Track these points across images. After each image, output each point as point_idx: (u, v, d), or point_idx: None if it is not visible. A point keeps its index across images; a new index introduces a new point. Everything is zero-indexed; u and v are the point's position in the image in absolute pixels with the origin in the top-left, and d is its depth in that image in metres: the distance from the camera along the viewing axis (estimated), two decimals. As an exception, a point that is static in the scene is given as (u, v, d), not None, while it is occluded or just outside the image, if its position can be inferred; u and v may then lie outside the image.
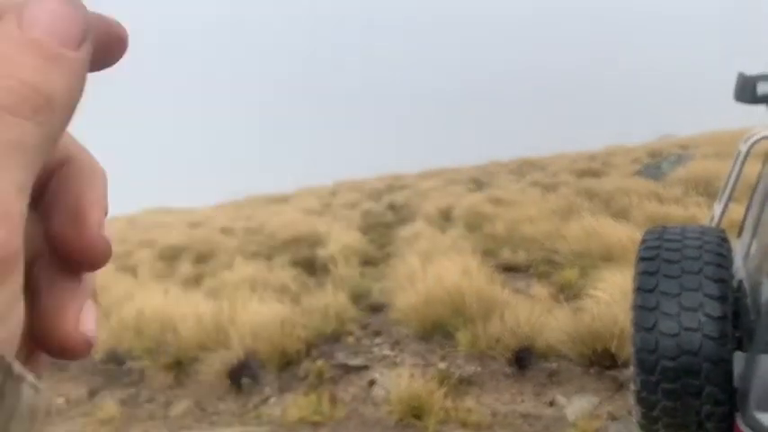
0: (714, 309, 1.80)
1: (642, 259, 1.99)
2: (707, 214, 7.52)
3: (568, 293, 5.55)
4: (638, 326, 1.87)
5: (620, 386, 3.95)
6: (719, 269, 1.88)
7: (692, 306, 1.81)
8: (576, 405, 3.95)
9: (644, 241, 2.09)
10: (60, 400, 5.18)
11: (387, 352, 4.99)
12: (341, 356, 4.88)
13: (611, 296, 4.56)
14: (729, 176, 2.78)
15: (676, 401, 1.84)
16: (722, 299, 1.83)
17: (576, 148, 23.11)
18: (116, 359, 5.39)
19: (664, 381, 1.82)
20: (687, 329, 1.79)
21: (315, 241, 9.61)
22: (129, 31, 0.23)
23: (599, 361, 4.13)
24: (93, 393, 5.18)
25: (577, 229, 7.12)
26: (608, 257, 6.03)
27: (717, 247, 1.95)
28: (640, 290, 1.92)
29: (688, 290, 1.83)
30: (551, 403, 4.05)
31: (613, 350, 4.06)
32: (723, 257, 1.93)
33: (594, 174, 14.92)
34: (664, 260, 1.93)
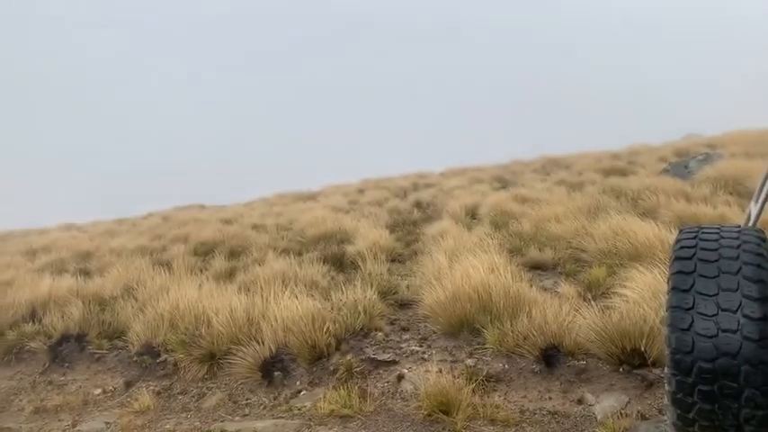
0: (754, 310, 1.77)
1: (678, 258, 1.97)
2: (736, 213, 7.46)
3: (596, 292, 5.56)
4: (674, 326, 1.85)
5: (650, 385, 3.95)
6: (759, 270, 1.85)
7: (731, 307, 1.78)
8: (605, 403, 3.95)
9: (679, 240, 2.06)
10: (97, 391, 5.32)
11: (415, 347, 5.03)
12: (370, 351, 4.93)
13: (640, 295, 4.56)
14: (767, 175, 2.73)
15: (713, 404, 1.80)
16: (762, 300, 1.79)
17: (596, 147, 22.86)
18: (151, 351, 5.51)
19: (700, 383, 1.80)
20: (725, 331, 1.76)
21: (343, 238, 9.69)
22: None
23: (628, 359, 4.13)
24: (128, 385, 5.30)
25: (605, 227, 7.10)
26: (636, 256, 6.01)
27: (756, 246, 1.92)
28: (676, 289, 1.89)
29: (726, 290, 1.81)
30: (580, 401, 4.05)
31: (643, 349, 4.07)
32: (763, 258, 1.89)
33: (621, 172, 14.79)
34: (700, 260, 1.90)
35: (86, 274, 9.12)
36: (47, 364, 5.87)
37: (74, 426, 4.73)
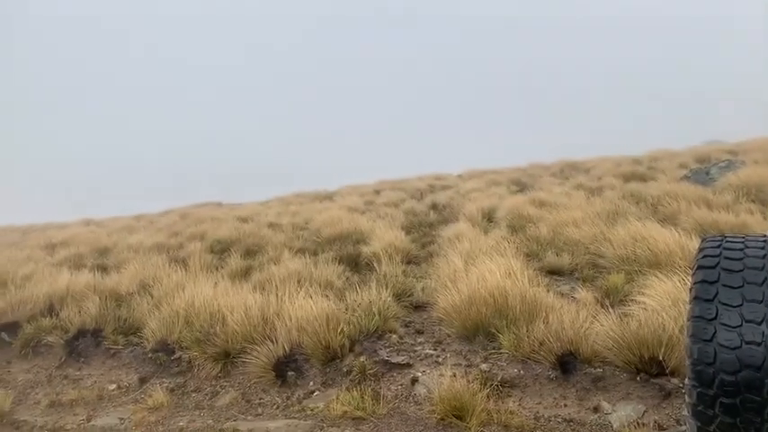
0: None
1: (701, 267, 1.92)
2: (759, 222, 7.34)
3: (614, 299, 5.49)
4: (696, 337, 1.80)
5: (668, 395, 3.89)
6: None
7: (755, 318, 1.73)
8: (622, 412, 3.89)
9: (702, 249, 2.02)
10: (112, 387, 5.35)
11: (429, 351, 5.00)
12: (384, 353, 4.90)
13: (659, 303, 4.49)
14: None
15: (735, 418, 1.76)
16: None
17: (616, 152, 22.73)
18: (166, 348, 5.53)
19: (722, 395, 1.75)
20: (749, 343, 1.71)
21: (359, 238, 9.68)
22: None
23: (646, 368, 4.07)
24: (143, 381, 5.33)
25: (623, 233, 7.02)
26: (655, 263, 5.93)
27: None
28: (698, 299, 1.85)
29: (750, 301, 1.76)
30: (596, 409, 3.99)
31: (661, 358, 4.00)
32: None
33: (641, 178, 14.66)
34: (724, 269, 1.85)
35: (104, 269, 9.21)
36: (63, 359, 5.92)
37: (88, 420, 4.76)
